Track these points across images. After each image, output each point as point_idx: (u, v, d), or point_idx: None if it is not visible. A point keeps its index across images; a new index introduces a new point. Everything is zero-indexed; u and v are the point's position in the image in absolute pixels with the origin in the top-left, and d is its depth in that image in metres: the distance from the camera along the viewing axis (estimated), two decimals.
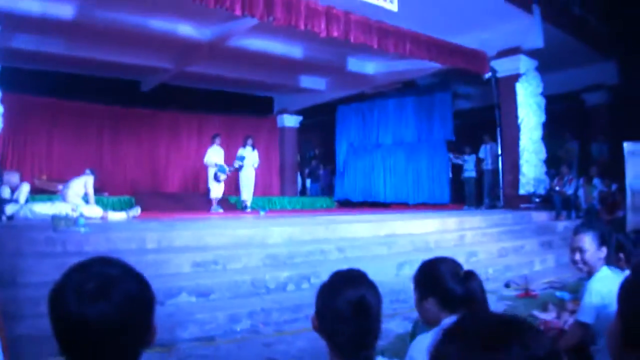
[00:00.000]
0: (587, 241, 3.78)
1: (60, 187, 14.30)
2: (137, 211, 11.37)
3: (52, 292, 1.33)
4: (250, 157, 15.25)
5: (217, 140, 15.06)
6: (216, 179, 14.40)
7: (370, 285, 2.09)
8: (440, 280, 2.45)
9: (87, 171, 11.93)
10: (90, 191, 11.40)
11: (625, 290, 1.63)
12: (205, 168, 15.26)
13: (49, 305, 1.32)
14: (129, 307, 1.32)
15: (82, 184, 11.43)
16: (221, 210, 14.38)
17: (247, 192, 15.32)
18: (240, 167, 15.11)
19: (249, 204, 15.31)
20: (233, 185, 16.32)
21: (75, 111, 17.48)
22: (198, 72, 16.64)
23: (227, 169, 14.67)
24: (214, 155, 14.75)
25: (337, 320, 2.00)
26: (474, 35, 13.94)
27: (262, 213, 13.37)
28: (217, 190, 14.56)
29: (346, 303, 1.99)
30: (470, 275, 2.47)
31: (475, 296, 2.44)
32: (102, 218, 10.43)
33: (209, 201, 14.70)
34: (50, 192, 14.16)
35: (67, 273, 1.36)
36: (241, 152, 15.30)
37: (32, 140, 16.36)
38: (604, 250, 3.69)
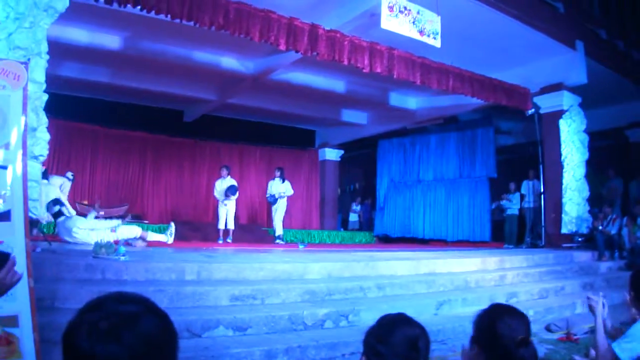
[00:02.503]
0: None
1: (101, 212, 14.52)
2: (172, 228, 11.30)
3: (66, 329, 1.30)
4: (277, 189, 15.25)
5: (223, 172, 14.99)
6: (226, 196, 14.42)
7: (424, 328, 2.13)
8: (493, 335, 2.32)
9: (68, 174, 11.97)
10: (65, 193, 11.40)
11: None
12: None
13: (62, 342, 1.29)
14: (144, 347, 1.28)
15: (58, 184, 11.48)
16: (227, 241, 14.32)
17: (275, 224, 15.31)
18: (273, 199, 15.17)
19: (277, 233, 15.23)
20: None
21: (118, 138, 17.78)
22: (241, 103, 16.85)
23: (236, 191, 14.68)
24: (218, 186, 14.81)
25: (390, 358, 2.02)
26: (516, 71, 13.88)
27: (301, 247, 13.30)
28: (222, 220, 14.53)
29: (403, 340, 2.03)
30: (524, 342, 2.30)
31: None
32: (142, 238, 10.44)
33: (219, 232, 14.60)
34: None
35: (82, 310, 1.34)
36: (270, 184, 15.41)
37: (75, 165, 16.57)
38: (632, 294, 3.61)
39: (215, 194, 14.86)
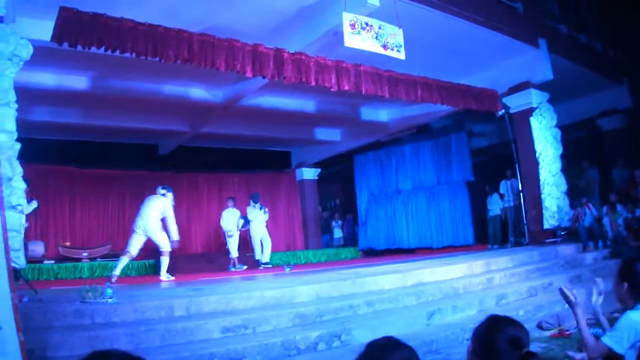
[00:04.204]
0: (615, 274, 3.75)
1: (84, 254, 14.46)
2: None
3: None
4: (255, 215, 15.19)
5: (230, 203, 15.08)
6: (243, 226, 14.59)
7: (413, 350, 2.06)
8: (494, 350, 2.23)
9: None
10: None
11: None
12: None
13: None
14: None
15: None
16: (244, 267, 14.39)
17: (257, 250, 15.18)
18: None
19: (263, 260, 15.11)
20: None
21: (95, 178, 17.70)
22: (214, 132, 16.88)
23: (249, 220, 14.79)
24: (230, 217, 14.83)
25: None
26: (483, 74, 14.09)
27: (287, 270, 13.24)
28: (233, 249, 14.66)
29: None
30: (531, 356, 2.21)
31: None
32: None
33: (229, 261, 14.71)
34: (75, 260, 14.23)
35: None
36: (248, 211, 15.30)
37: (54, 208, 16.50)
38: (625, 285, 3.63)
39: (224, 223, 14.84)
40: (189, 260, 16.14)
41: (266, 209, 15.51)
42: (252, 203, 15.29)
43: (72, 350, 5.08)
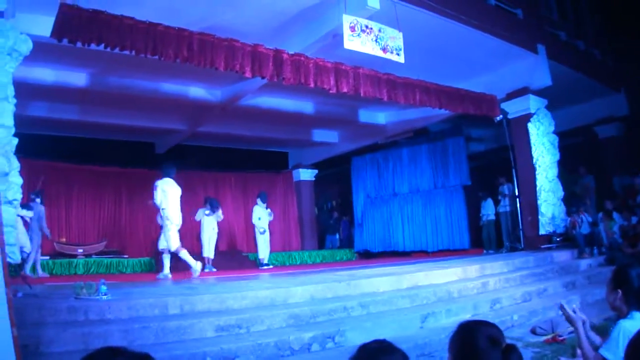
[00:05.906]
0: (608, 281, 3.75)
1: (80, 250, 14.45)
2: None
3: None
4: (263, 215, 15.30)
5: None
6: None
7: (405, 355, 2.05)
8: (476, 352, 2.22)
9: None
10: None
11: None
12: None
13: None
14: None
15: None
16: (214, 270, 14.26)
17: (261, 249, 15.24)
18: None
19: (265, 261, 15.18)
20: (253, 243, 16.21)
21: (91, 175, 17.70)
22: (211, 131, 16.88)
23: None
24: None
25: None
26: (482, 79, 14.10)
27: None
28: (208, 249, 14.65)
29: None
30: (511, 349, 2.22)
31: None
32: None
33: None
34: (70, 256, 14.20)
35: None
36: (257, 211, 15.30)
37: (49, 204, 16.38)
38: (619, 292, 3.63)
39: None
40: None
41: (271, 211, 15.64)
42: (259, 202, 15.35)
43: (65, 346, 5.08)
